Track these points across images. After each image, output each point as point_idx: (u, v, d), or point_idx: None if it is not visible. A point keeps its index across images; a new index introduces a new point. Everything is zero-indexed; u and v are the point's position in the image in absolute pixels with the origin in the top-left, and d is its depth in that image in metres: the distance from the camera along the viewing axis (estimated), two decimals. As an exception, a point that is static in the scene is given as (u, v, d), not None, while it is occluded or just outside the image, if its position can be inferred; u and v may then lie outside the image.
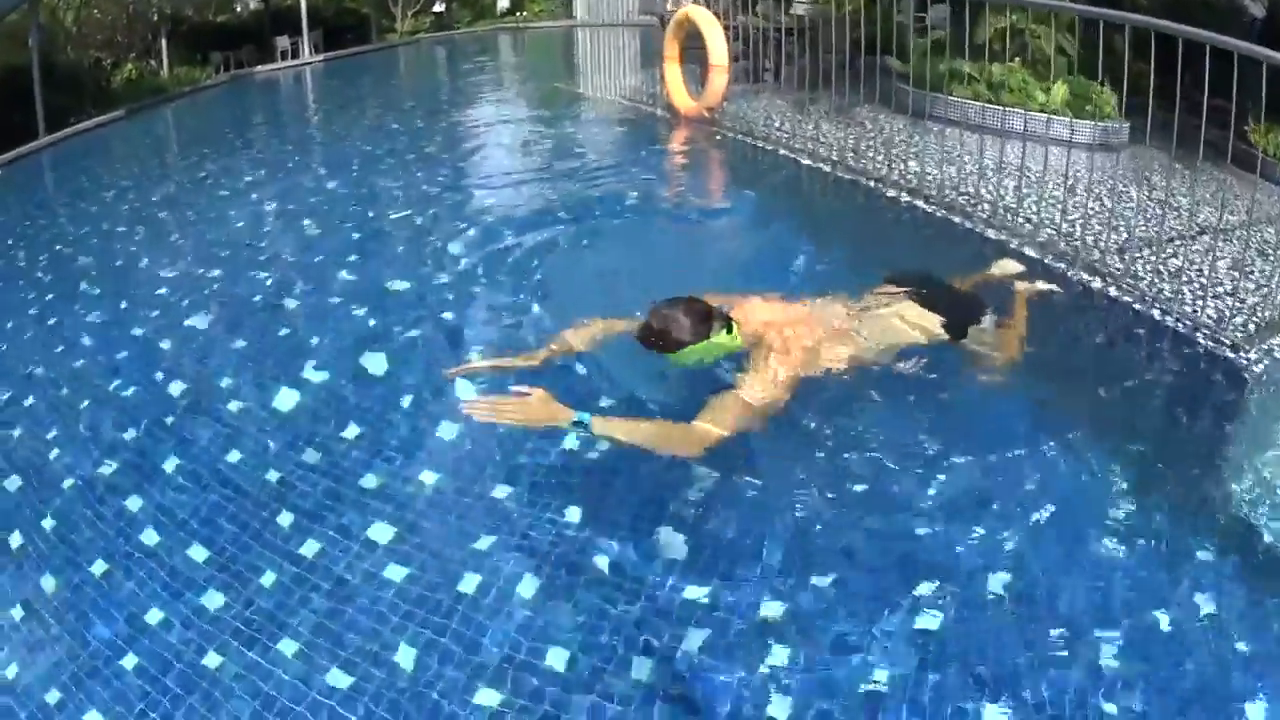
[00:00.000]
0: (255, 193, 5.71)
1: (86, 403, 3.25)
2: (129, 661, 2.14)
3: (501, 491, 2.55)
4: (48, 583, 2.40)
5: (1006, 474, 2.58)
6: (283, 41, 12.84)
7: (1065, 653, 1.98)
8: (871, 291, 3.09)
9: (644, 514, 2.43)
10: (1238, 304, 3.75)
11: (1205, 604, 2.14)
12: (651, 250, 4.25)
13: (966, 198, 4.95)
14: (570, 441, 2.66)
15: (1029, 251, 4.08)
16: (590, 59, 9.76)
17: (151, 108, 10.10)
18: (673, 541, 2.31)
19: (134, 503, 2.67)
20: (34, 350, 3.73)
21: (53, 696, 2.06)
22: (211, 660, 2.11)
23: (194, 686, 2.05)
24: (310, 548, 2.41)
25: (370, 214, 5.01)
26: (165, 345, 3.59)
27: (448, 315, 3.63)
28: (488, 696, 1.95)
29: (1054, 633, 2.04)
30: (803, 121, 6.78)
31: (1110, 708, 1.86)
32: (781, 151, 5.98)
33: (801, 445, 2.62)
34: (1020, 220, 4.64)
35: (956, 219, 4.65)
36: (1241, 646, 2.01)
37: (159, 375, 3.35)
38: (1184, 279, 4.00)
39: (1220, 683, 1.93)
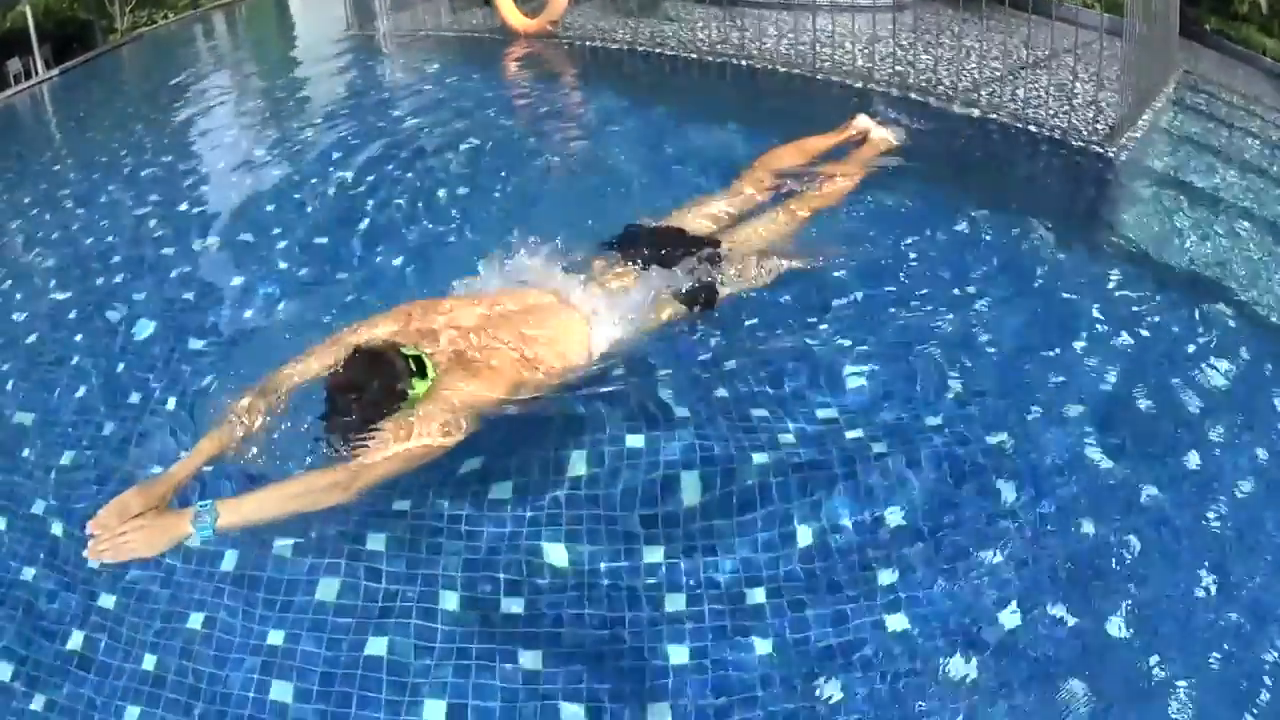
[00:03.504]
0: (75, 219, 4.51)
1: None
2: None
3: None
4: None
5: (952, 253, 3.12)
6: (14, 64, 11.31)
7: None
8: (596, 266, 2.70)
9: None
10: (1089, 113, 4.50)
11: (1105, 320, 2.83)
12: (546, 185, 4.01)
13: (831, 63, 5.40)
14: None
15: (914, 96, 4.60)
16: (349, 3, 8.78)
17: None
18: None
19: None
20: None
21: None
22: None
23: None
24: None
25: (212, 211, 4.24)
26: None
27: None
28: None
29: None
30: (625, 20, 6.86)
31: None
32: (639, 48, 6.08)
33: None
34: (890, 74, 5.16)
35: (835, 78, 5.11)
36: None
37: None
38: (1038, 103, 4.70)
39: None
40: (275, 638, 1.97)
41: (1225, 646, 1.88)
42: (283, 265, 3.50)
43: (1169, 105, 5.45)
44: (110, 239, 4.13)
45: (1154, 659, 1.85)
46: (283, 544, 2.10)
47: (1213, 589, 1.98)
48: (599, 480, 2.14)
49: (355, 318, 2.45)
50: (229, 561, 2.09)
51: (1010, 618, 1.91)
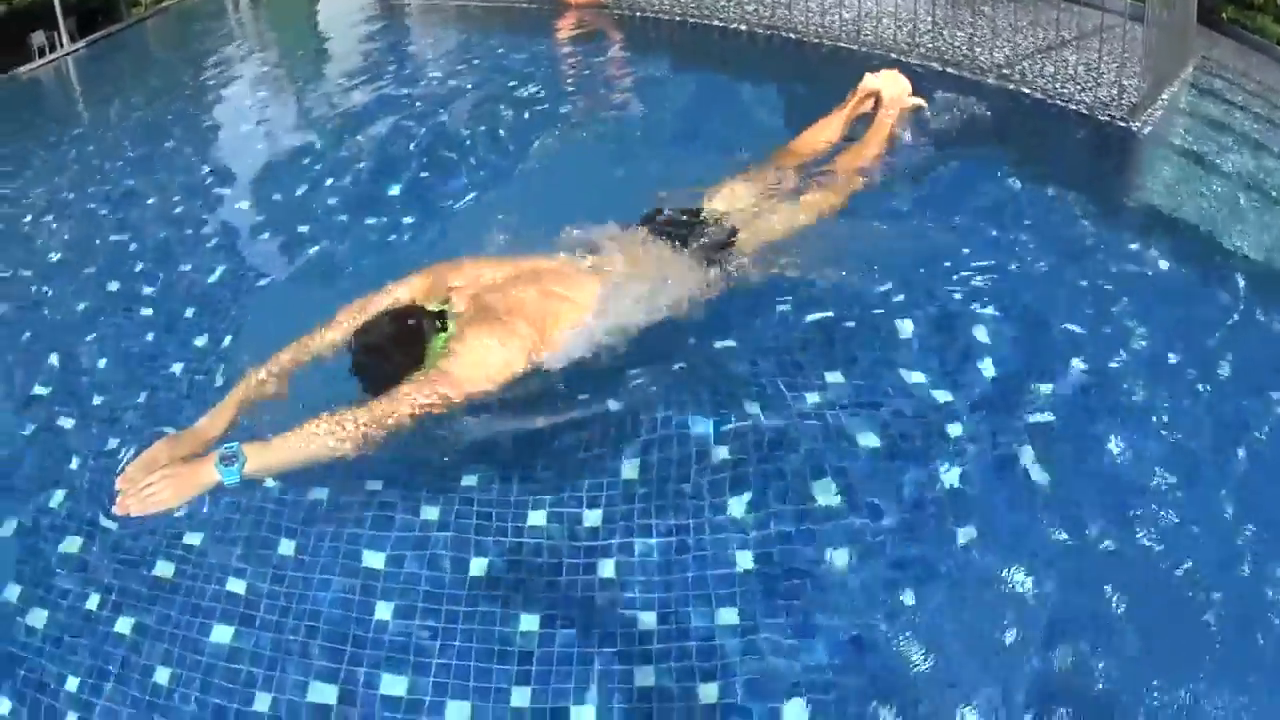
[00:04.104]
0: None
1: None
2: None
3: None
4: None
5: (989, 214, 3.30)
6: (38, 37, 11.24)
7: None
8: (621, 237, 2.73)
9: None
10: (1113, 91, 4.66)
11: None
12: (608, 157, 4.07)
13: (874, 37, 5.56)
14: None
15: (951, 70, 4.81)
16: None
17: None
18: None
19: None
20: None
21: None
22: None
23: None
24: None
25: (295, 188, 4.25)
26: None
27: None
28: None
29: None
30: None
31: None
32: (689, 20, 6.19)
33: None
34: (928, 49, 5.33)
35: (878, 51, 5.28)
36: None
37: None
38: (1065, 79, 4.86)
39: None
40: (373, 560, 2.09)
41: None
42: (320, 227, 3.69)
43: (1187, 87, 5.60)
44: (159, 199, 4.32)
45: (1188, 582, 2.03)
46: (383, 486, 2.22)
47: (1241, 526, 2.15)
48: (668, 406, 2.35)
49: (385, 280, 2.52)
50: (319, 493, 2.22)
51: (1067, 547, 2.08)
